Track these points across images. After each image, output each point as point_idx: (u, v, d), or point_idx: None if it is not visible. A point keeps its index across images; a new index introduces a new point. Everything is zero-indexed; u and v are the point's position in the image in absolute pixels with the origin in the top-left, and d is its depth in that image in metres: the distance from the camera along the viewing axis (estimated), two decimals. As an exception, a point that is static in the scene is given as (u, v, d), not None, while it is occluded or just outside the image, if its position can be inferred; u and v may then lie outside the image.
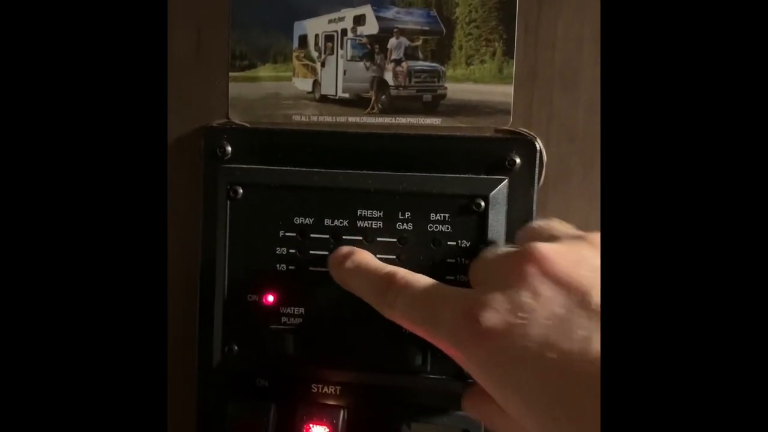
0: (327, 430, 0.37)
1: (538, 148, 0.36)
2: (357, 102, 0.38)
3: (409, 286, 0.31)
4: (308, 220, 0.37)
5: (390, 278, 0.32)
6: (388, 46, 0.38)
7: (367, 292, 0.33)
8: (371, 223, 0.36)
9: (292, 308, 0.37)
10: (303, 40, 0.39)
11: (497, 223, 0.35)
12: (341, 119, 0.38)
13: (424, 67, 0.37)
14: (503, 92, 0.37)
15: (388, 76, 0.38)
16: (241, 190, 0.37)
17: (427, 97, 0.37)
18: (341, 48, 0.38)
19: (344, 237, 0.37)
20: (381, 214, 0.36)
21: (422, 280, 0.31)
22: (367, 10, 0.38)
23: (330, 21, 0.38)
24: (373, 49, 0.38)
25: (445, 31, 0.37)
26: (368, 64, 0.38)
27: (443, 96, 0.37)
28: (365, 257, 0.35)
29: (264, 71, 0.39)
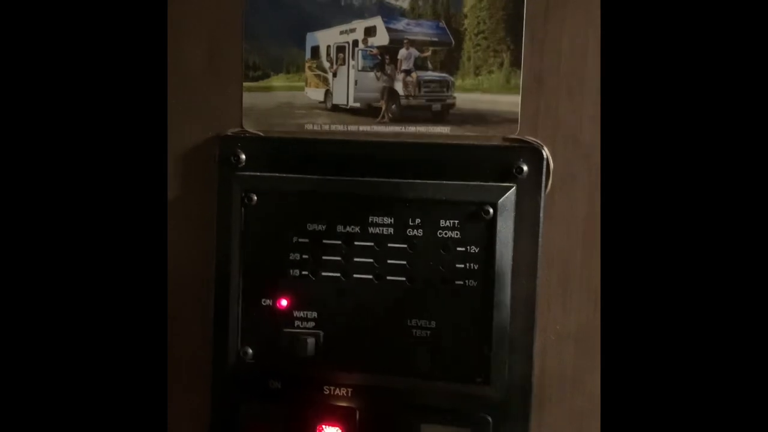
0: (339, 431, 0.38)
1: (544, 156, 0.37)
2: (368, 111, 0.39)
3: None
4: (321, 227, 0.38)
5: None
6: (399, 57, 0.39)
7: None
8: (382, 230, 0.37)
9: (305, 312, 0.38)
10: (315, 50, 0.40)
11: (505, 229, 0.36)
12: (352, 128, 0.39)
13: (434, 77, 0.38)
14: (511, 101, 0.37)
15: (399, 86, 0.39)
16: (255, 197, 0.38)
17: (437, 106, 0.38)
18: (352, 59, 0.39)
19: (356, 243, 0.37)
20: (392, 220, 0.37)
21: None
22: (377, 21, 0.39)
23: (341, 32, 0.39)
24: (383, 59, 0.39)
25: (454, 42, 0.38)
26: (379, 74, 0.39)
27: (452, 105, 0.38)
28: None
29: (277, 81, 0.40)
